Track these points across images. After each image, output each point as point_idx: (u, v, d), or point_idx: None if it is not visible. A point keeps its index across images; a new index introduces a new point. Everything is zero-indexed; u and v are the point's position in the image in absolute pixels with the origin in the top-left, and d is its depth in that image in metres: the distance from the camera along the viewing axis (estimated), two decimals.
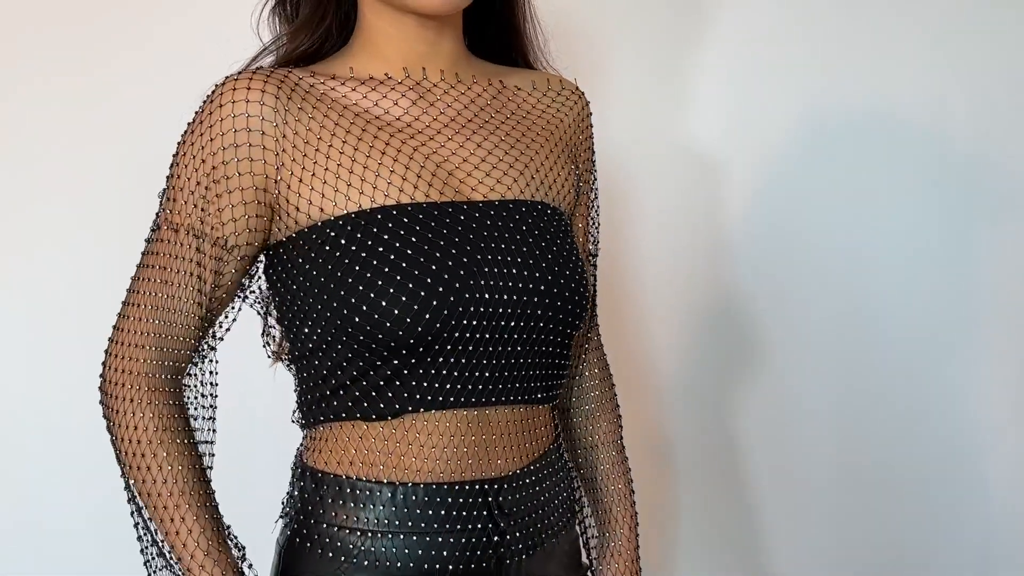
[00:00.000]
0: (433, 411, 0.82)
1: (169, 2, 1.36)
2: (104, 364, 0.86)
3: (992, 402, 1.45)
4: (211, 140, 0.81)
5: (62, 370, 1.34)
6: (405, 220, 0.81)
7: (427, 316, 0.78)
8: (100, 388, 0.86)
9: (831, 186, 1.40)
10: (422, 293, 0.78)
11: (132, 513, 0.86)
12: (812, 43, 1.38)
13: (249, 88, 0.81)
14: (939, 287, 1.44)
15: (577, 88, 1.01)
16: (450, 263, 0.80)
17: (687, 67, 1.38)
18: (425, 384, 0.82)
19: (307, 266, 0.82)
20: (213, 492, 0.86)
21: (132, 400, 0.83)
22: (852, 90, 1.38)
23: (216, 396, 0.89)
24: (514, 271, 0.83)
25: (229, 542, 0.86)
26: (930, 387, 1.45)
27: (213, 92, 0.82)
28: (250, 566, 0.87)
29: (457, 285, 0.80)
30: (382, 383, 0.82)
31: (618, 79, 1.31)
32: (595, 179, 1.02)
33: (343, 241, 0.80)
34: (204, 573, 0.82)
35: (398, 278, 0.78)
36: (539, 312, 0.84)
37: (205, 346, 0.87)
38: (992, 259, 1.42)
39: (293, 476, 0.90)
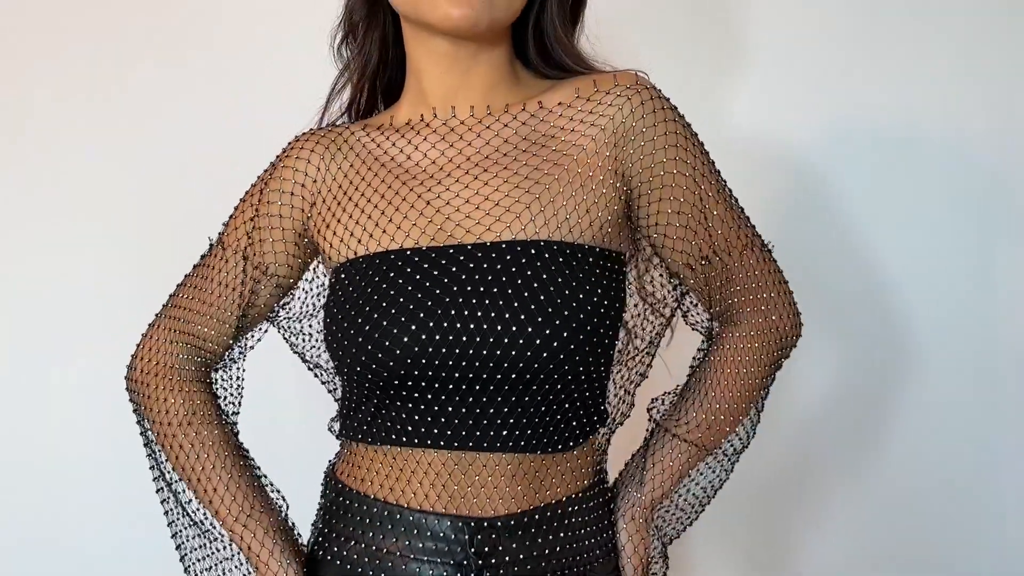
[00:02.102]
0: (420, 448, 0.87)
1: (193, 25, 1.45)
2: (135, 356, 0.97)
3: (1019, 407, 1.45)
4: (266, 184, 0.96)
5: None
6: (384, 267, 0.86)
7: (384, 359, 0.83)
8: (128, 378, 0.97)
9: (853, 197, 1.41)
10: (376, 335, 0.83)
11: (163, 500, 0.97)
12: (835, 54, 1.39)
13: (303, 147, 0.96)
14: (962, 298, 1.43)
15: (634, 84, 0.89)
16: (411, 308, 0.83)
17: (714, 79, 1.40)
18: (409, 422, 0.87)
19: (327, 299, 0.93)
20: (251, 460, 0.97)
21: (164, 387, 0.95)
22: (875, 101, 1.39)
23: (239, 403, 1.01)
24: (480, 317, 0.82)
25: (272, 503, 0.96)
26: (954, 396, 1.45)
27: (286, 146, 0.98)
28: (293, 525, 0.97)
29: (413, 327, 0.82)
30: (383, 412, 0.88)
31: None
32: (691, 172, 0.89)
33: (343, 283, 0.89)
34: (247, 532, 0.92)
35: (360, 321, 0.85)
36: (509, 361, 0.82)
37: (236, 353, 1.00)
38: (1017, 270, 1.42)
39: (323, 484, 1.00)
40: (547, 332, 0.82)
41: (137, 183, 1.46)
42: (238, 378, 1.01)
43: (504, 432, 0.86)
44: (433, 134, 0.92)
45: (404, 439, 0.87)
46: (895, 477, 1.45)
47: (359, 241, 0.90)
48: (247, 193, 0.99)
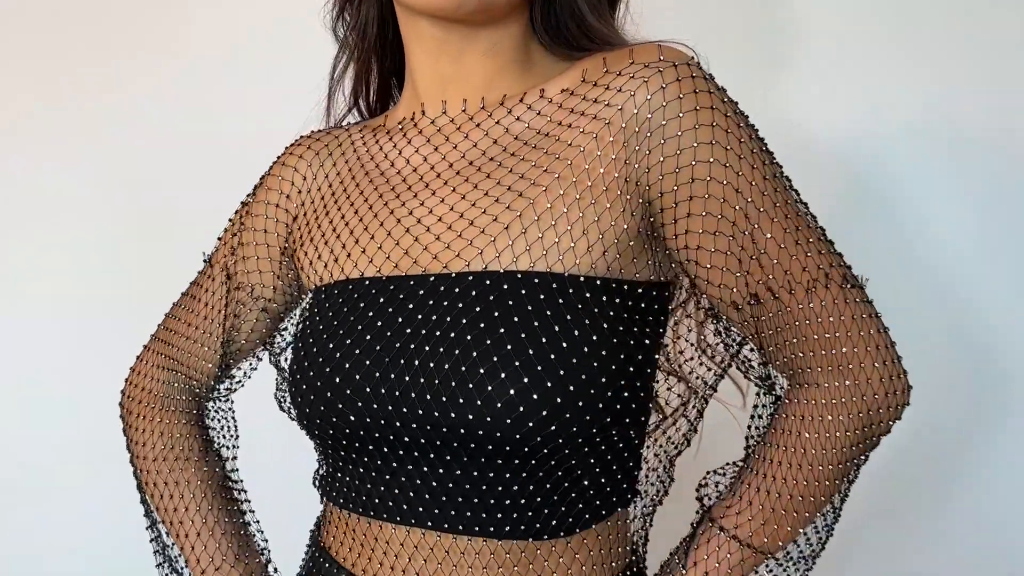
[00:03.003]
0: (387, 522, 0.72)
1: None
2: (127, 380, 0.89)
3: None
4: (253, 195, 0.85)
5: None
6: (341, 299, 0.72)
7: (327, 416, 0.70)
8: (120, 403, 0.89)
9: (924, 201, 1.19)
10: (319, 384, 0.70)
11: (148, 528, 0.88)
12: (882, 54, 1.17)
13: (292, 153, 0.84)
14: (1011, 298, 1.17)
15: (656, 61, 0.65)
16: (357, 353, 0.68)
17: (769, 82, 1.19)
18: (373, 491, 0.72)
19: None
20: (238, 500, 0.88)
21: (145, 417, 0.86)
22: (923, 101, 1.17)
23: (236, 437, 0.91)
24: (433, 370, 0.64)
25: (253, 549, 0.87)
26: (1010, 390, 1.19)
27: (281, 155, 0.86)
28: (275, 571, 0.88)
29: (357, 377, 0.67)
30: (347, 473, 0.75)
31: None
32: (733, 178, 0.65)
33: (305, 316, 0.77)
34: None
35: (306, 365, 0.72)
36: (471, 428, 0.64)
37: (223, 388, 0.89)
38: None
39: (309, 537, 0.87)
40: (517, 394, 0.62)
41: (133, 182, 1.38)
42: (230, 409, 0.91)
43: (481, 513, 0.68)
44: (419, 136, 0.75)
45: (364, 509, 0.73)
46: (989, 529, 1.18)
47: (325, 266, 0.76)
48: (241, 203, 0.88)
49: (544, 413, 0.63)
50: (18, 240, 1.36)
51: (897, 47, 1.15)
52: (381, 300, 0.69)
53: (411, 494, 0.69)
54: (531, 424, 0.63)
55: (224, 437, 0.90)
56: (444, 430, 0.65)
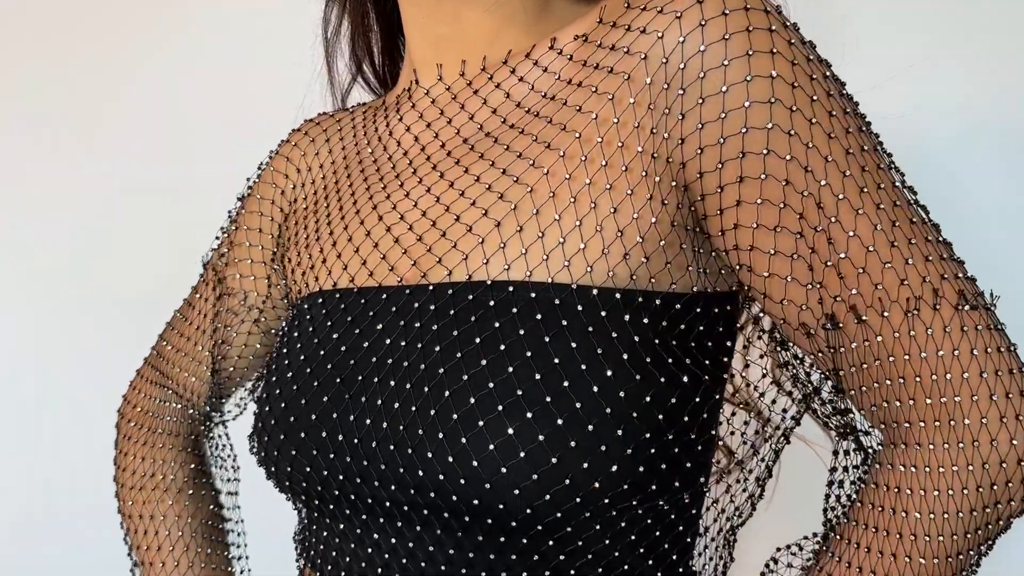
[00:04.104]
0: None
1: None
2: (124, 396, 0.80)
3: None
4: (250, 191, 0.74)
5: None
6: (308, 316, 0.59)
7: (266, 460, 0.58)
8: (116, 424, 0.79)
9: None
10: (260, 425, 0.59)
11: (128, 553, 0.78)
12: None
13: (289, 142, 0.72)
14: None
15: None
16: (314, 387, 0.55)
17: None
18: (343, 550, 0.58)
19: None
20: (223, 538, 0.78)
21: (132, 438, 0.76)
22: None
23: (236, 469, 0.79)
24: (379, 412, 0.51)
25: None
26: None
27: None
28: None
29: (313, 417, 0.54)
30: (313, 527, 0.62)
31: None
32: (804, 151, 0.46)
33: (278, 338, 0.65)
34: None
35: (264, 398, 0.60)
36: (423, 489, 0.49)
37: (221, 413, 0.78)
38: None
39: None
40: (500, 449, 0.47)
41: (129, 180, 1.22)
42: (226, 433, 0.81)
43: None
44: (412, 111, 0.61)
45: (331, 569, 0.59)
46: None
47: (303, 274, 0.63)
48: (238, 198, 0.76)
49: (535, 477, 0.47)
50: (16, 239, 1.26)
51: (946, 40, 1.03)
52: (348, 319, 0.56)
53: (384, 561, 0.54)
54: (517, 491, 0.47)
55: (223, 467, 0.80)
56: (411, 491, 0.50)
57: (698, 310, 0.51)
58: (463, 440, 0.47)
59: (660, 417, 0.48)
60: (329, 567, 0.59)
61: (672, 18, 0.47)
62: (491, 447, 0.47)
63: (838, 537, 0.51)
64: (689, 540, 0.55)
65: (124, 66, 1.14)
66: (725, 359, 0.53)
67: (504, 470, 0.47)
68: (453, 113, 0.57)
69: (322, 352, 0.56)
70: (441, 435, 0.48)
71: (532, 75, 0.54)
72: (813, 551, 0.55)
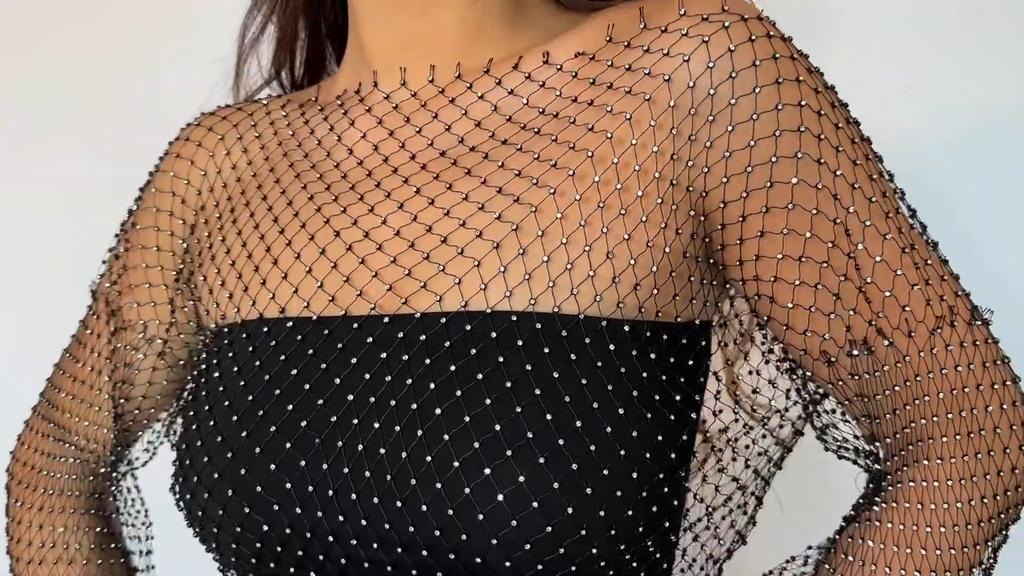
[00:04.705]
0: None
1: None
2: (13, 455, 0.68)
3: None
4: (141, 199, 0.63)
5: None
6: (250, 348, 0.51)
7: (202, 518, 0.49)
8: (6, 485, 0.67)
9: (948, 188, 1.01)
10: (194, 478, 0.50)
11: None
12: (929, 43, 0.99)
13: (188, 139, 0.62)
14: None
15: (718, 13, 0.46)
16: (274, 435, 0.47)
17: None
18: None
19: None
20: None
21: (24, 503, 0.65)
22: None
23: (148, 525, 0.70)
24: (361, 459, 0.45)
25: None
26: None
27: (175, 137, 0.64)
28: None
29: (244, 472, 0.48)
30: None
31: None
32: (831, 181, 0.46)
33: (197, 371, 0.56)
34: None
35: (182, 447, 0.52)
36: (415, 548, 0.44)
37: (124, 466, 0.68)
38: None
39: None
40: (509, 500, 0.42)
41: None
42: (131, 490, 0.70)
43: None
44: (366, 115, 0.54)
45: None
46: None
47: (230, 297, 0.54)
48: (128, 211, 0.65)
49: (548, 530, 0.42)
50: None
51: (946, 42, 1.00)
52: (310, 352, 0.48)
53: None
54: (528, 546, 0.43)
55: (133, 525, 0.69)
56: (398, 550, 0.45)
57: (687, 340, 0.49)
58: (466, 490, 0.42)
59: (672, 456, 0.46)
60: None
61: (699, 42, 0.45)
62: (500, 497, 0.42)
63: (849, 555, 0.49)
64: (666, 566, 0.52)
65: (125, 67, 1.11)
66: (702, 392, 0.52)
67: (515, 523, 0.42)
68: (423, 122, 0.52)
69: (277, 391, 0.48)
70: (439, 485, 0.43)
71: (525, 89, 0.50)
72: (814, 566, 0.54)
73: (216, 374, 0.52)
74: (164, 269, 0.61)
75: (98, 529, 0.65)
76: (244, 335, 0.52)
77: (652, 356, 0.46)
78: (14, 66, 1.10)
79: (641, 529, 0.45)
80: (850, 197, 0.45)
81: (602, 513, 0.43)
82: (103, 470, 0.66)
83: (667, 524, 0.48)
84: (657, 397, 0.46)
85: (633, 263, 0.46)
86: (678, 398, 0.47)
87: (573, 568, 0.44)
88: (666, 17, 0.47)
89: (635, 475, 0.44)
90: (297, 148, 0.57)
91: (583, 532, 0.43)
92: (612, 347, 0.45)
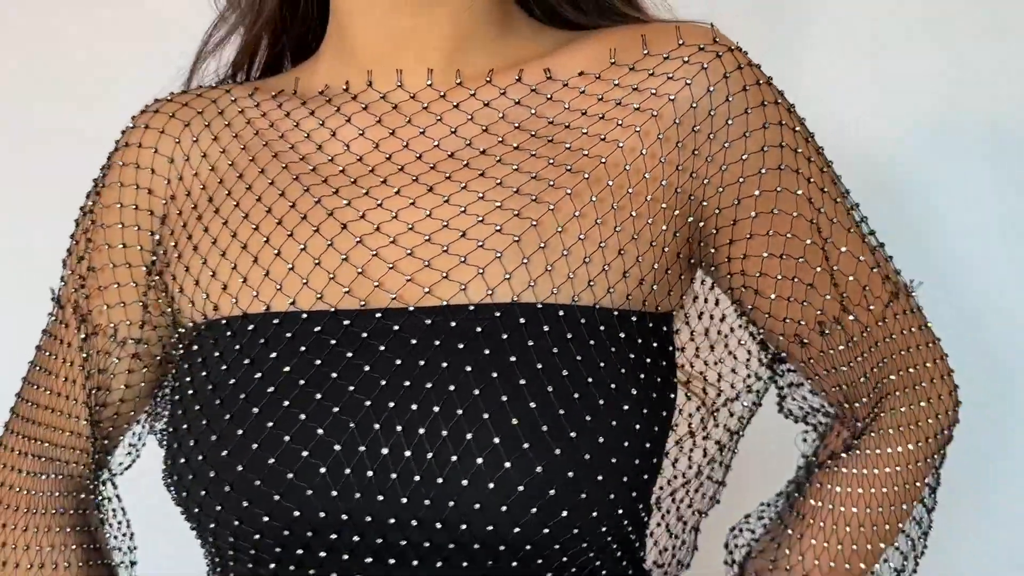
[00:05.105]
0: None
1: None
2: None
3: None
4: (98, 194, 0.60)
5: None
6: (263, 342, 0.51)
7: (220, 512, 0.49)
8: None
9: (942, 192, 1.07)
10: (206, 471, 0.49)
11: None
12: (923, 45, 1.04)
13: (147, 127, 0.60)
14: None
15: (712, 43, 0.52)
16: (304, 425, 0.48)
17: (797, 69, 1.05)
18: None
19: (175, 383, 0.56)
20: None
21: (7, 526, 0.63)
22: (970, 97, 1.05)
23: (131, 536, 0.68)
24: (429, 452, 0.46)
25: None
26: None
27: (126, 127, 0.61)
28: None
29: (308, 459, 0.47)
30: None
31: None
32: (805, 187, 0.53)
33: (192, 364, 0.54)
34: None
35: (178, 442, 0.51)
36: (476, 523, 0.47)
37: (104, 473, 0.66)
38: None
39: None
40: (542, 477, 0.46)
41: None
42: (116, 508, 0.68)
43: None
44: (363, 113, 0.56)
45: None
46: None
47: (225, 288, 0.54)
48: (81, 210, 0.62)
49: (565, 513, 0.47)
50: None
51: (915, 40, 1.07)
52: (332, 343, 0.49)
53: None
54: (565, 512, 0.47)
55: (116, 537, 0.67)
56: (438, 525, 0.47)
57: (671, 331, 0.55)
58: (507, 464, 0.45)
59: (664, 436, 0.52)
60: None
61: (698, 68, 0.52)
62: (538, 469, 0.45)
63: (807, 503, 0.59)
64: (637, 541, 0.57)
65: (125, 66, 1.12)
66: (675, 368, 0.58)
67: (552, 492, 0.46)
68: (426, 123, 0.54)
69: (301, 381, 0.49)
70: (479, 460, 0.45)
71: (532, 99, 0.54)
72: (776, 519, 0.63)
73: (221, 367, 0.51)
74: (132, 266, 0.59)
75: (84, 545, 0.64)
76: (250, 328, 0.51)
77: (655, 344, 0.52)
78: (14, 66, 1.10)
79: (641, 506, 0.51)
80: (820, 200, 0.53)
81: (625, 482, 0.48)
82: (86, 483, 0.64)
83: (652, 489, 0.53)
84: (659, 379, 0.51)
85: (640, 260, 0.51)
86: (672, 380, 0.53)
87: (586, 542, 0.48)
88: (666, 45, 0.53)
89: (648, 447, 0.49)
90: (279, 139, 0.57)
91: (595, 512, 0.47)
92: (622, 335, 0.50)
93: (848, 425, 0.60)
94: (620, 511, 0.48)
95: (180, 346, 0.57)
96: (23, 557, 0.62)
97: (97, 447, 0.62)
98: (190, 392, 0.52)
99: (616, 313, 0.50)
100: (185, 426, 0.51)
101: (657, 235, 0.52)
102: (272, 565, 0.50)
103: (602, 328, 0.50)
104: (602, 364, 0.48)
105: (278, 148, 0.57)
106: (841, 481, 0.58)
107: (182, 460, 0.50)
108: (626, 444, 0.48)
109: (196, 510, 0.50)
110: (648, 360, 0.51)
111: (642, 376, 0.50)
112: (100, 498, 0.66)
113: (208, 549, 0.54)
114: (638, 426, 0.49)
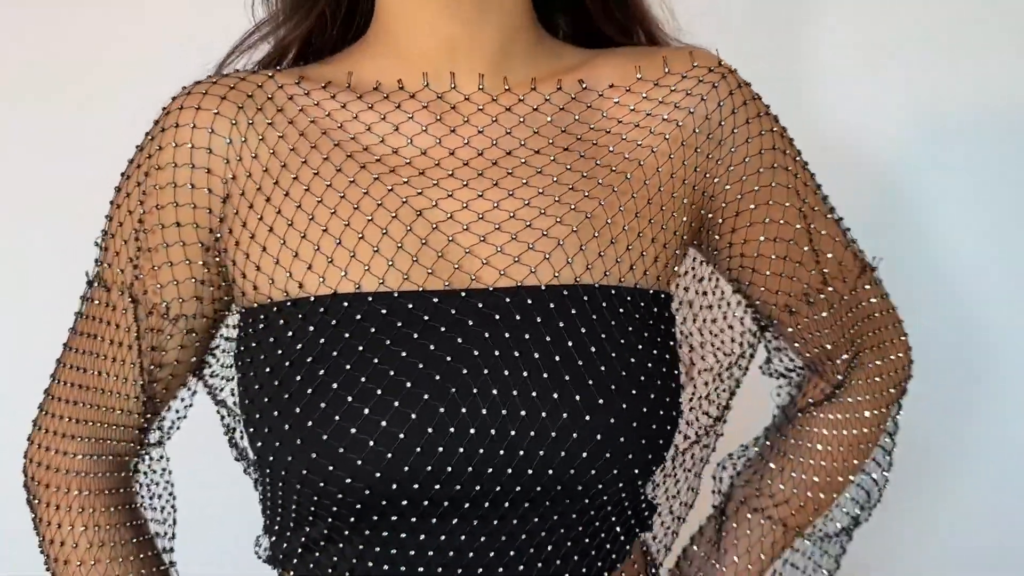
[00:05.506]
0: None
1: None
2: (27, 456, 0.68)
3: None
4: (146, 176, 0.61)
5: None
6: (359, 319, 0.56)
7: (374, 475, 0.54)
8: (25, 486, 0.68)
9: (940, 188, 1.16)
10: (371, 444, 0.54)
11: None
12: (921, 41, 1.12)
13: (199, 108, 0.60)
14: None
15: (718, 66, 0.63)
16: (420, 394, 0.54)
17: (795, 66, 1.14)
18: (383, 557, 0.58)
19: (240, 362, 0.60)
20: None
21: (59, 507, 0.65)
22: (963, 90, 1.13)
23: (173, 500, 0.72)
24: (523, 408, 0.54)
25: None
26: None
27: (163, 110, 0.62)
28: None
29: (431, 430, 0.54)
30: (322, 543, 0.60)
31: None
32: (793, 183, 0.65)
33: (272, 340, 0.57)
34: None
35: (334, 416, 0.54)
36: (566, 465, 0.55)
37: (152, 438, 0.69)
38: None
39: None
40: (622, 428, 0.55)
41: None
42: (164, 470, 0.71)
43: (532, 564, 0.59)
44: (423, 111, 0.61)
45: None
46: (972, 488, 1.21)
47: (310, 268, 0.58)
48: (118, 192, 0.63)
49: (639, 448, 0.56)
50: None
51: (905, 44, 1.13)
52: (427, 319, 0.56)
53: (444, 556, 0.57)
54: (644, 466, 0.57)
55: (157, 509, 0.70)
56: (530, 473, 0.55)
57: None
58: (587, 418, 0.54)
59: (680, 385, 0.62)
60: (381, 569, 0.58)
61: (710, 87, 0.63)
62: (612, 420, 0.55)
63: (786, 439, 0.73)
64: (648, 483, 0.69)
65: (125, 67, 1.07)
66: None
67: (622, 439, 0.55)
68: (483, 124, 0.61)
69: (403, 352, 0.55)
70: (565, 415, 0.54)
71: (574, 107, 0.62)
72: (757, 455, 0.75)
73: (319, 340, 0.55)
74: (187, 244, 0.61)
75: (132, 522, 0.67)
76: (344, 304, 0.56)
77: (667, 315, 0.62)
78: (14, 66, 1.10)
79: (671, 441, 0.61)
80: (804, 192, 0.66)
81: (661, 441, 0.58)
82: (126, 459, 0.67)
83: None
84: (671, 341, 0.62)
85: (665, 247, 0.62)
86: (674, 341, 0.63)
87: (620, 484, 0.57)
88: (683, 66, 0.63)
89: (674, 409, 0.59)
90: (338, 129, 0.61)
91: (650, 455, 0.57)
92: (655, 310, 0.60)
93: (828, 379, 0.73)
94: (651, 456, 0.58)
95: (252, 320, 0.60)
96: (81, 538, 0.64)
97: (149, 423, 0.66)
98: (286, 364, 0.56)
99: (648, 292, 0.61)
100: (287, 396, 0.55)
101: (678, 226, 0.63)
102: (352, 518, 0.57)
103: (642, 304, 0.60)
104: (646, 334, 0.59)
105: (339, 137, 0.61)
106: (819, 424, 0.72)
107: (302, 422, 0.54)
108: (667, 400, 0.58)
109: (283, 473, 0.55)
110: (670, 330, 0.62)
111: (670, 343, 0.61)
112: (147, 471, 0.70)
113: (282, 514, 0.60)
114: (673, 385, 0.59)
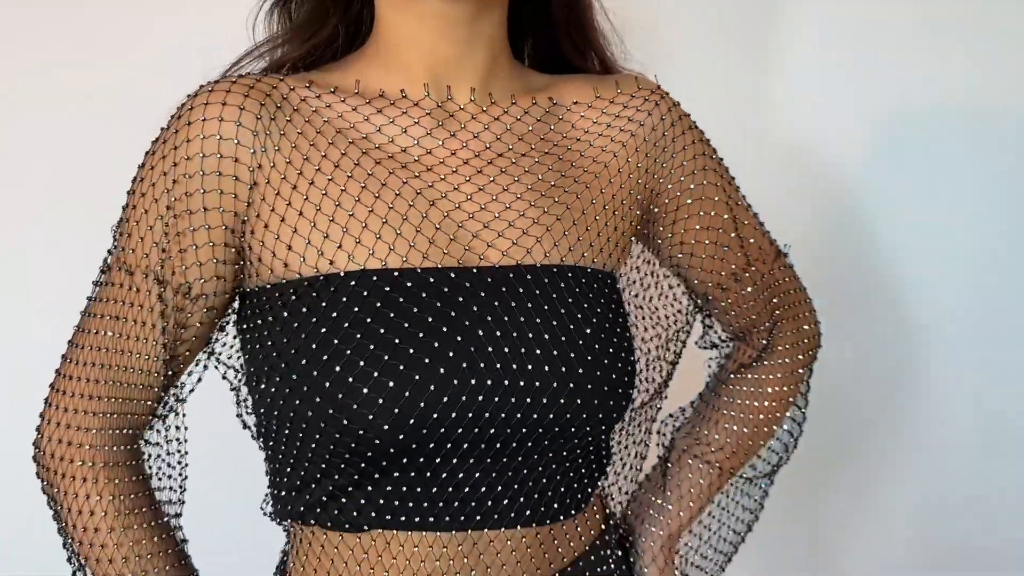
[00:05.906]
0: (409, 531, 0.67)
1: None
2: (40, 432, 0.71)
3: None
4: (175, 165, 0.66)
5: None
6: (388, 290, 0.64)
7: (408, 421, 0.62)
8: (36, 459, 0.71)
9: (915, 188, 1.28)
10: (406, 394, 0.62)
11: None
12: (896, 39, 1.24)
13: (225, 103, 0.65)
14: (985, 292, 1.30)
15: (657, 88, 0.78)
16: (445, 353, 0.63)
17: (766, 63, 1.24)
18: (397, 499, 0.67)
19: (266, 332, 0.67)
20: (192, 571, 0.74)
21: (85, 479, 0.69)
22: (939, 89, 1.26)
23: (185, 464, 0.76)
24: (528, 364, 0.65)
25: None
26: (1002, 396, 1.33)
27: (183, 106, 0.67)
28: None
29: (455, 382, 0.63)
30: (349, 489, 0.67)
31: (693, 75, 1.07)
32: (720, 182, 0.80)
33: (305, 311, 0.64)
34: None
35: (373, 372, 0.62)
36: (560, 413, 0.66)
37: (166, 406, 0.74)
38: None
39: None
40: (607, 375, 0.68)
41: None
42: (177, 439, 0.75)
43: (523, 502, 0.69)
44: (426, 117, 0.71)
45: (378, 524, 0.67)
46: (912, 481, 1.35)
47: (340, 247, 0.65)
48: (139, 181, 0.68)
49: (613, 398, 0.69)
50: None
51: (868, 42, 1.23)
52: (446, 290, 0.66)
53: (450, 498, 0.67)
54: (605, 409, 0.68)
55: (166, 477, 0.74)
56: (551, 417, 0.66)
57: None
58: (598, 373, 0.67)
59: (634, 349, 0.75)
60: (397, 513, 0.66)
61: (654, 104, 0.77)
62: (614, 376, 0.68)
63: (718, 396, 0.86)
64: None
65: (125, 67, 1.10)
66: None
67: (620, 390, 0.69)
68: (477, 130, 0.71)
69: (431, 321, 0.63)
70: (598, 372, 0.67)
71: (548, 119, 0.74)
72: (692, 412, 0.88)
73: (353, 308, 0.63)
74: (212, 228, 0.66)
75: (147, 492, 0.71)
76: (374, 278, 0.64)
77: (618, 289, 0.75)
78: (15, 66, 1.12)
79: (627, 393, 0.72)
80: (729, 188, 0.81)
81: (631, 391, 0.70)
82: (137, 432, 0.71)
83: None
84: (624, 313, 0.75)
85: (623, 236, 0.75)
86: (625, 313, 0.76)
87: (603, 427, 0.69)
88: (630, 88, 0.78)
89: (633, 359, 0.72)
90: (351, 129, 0.69)
91: (623, 403, 0.69)
92: (612, 286, 0.73)
93: (754, 345, 0.88)
94: (617, 404, 0.70)
95: (280, 294, 0.66)
96: (109, 506, 0.68)
97: (165, 389, 0.70)
98: (322, 331, 0.63)
99: (604, 272, 0.73)
100: (325, 357, 0.62)
101: (632, 219, 0.77)
102: (384, 462, 0.64)
103: (608, 283, 0.73)
104: (612, 307, 0.72)
105: (352, 136, 0.69)
106: (747, 383, 0.86)
107: (342, 379, 0.62)
108: (629, 359, 0.71)
109: (327, 424, 0.62)
110: (617, 301, 0.74)
111: (625, 315, 0.74)
112: (161, 438, 0.73)
113: (308, 468, 0.67)
114: (631, 347, 0.72)
